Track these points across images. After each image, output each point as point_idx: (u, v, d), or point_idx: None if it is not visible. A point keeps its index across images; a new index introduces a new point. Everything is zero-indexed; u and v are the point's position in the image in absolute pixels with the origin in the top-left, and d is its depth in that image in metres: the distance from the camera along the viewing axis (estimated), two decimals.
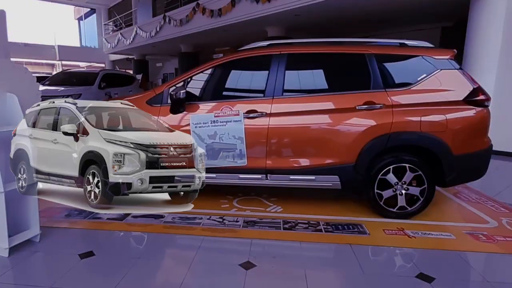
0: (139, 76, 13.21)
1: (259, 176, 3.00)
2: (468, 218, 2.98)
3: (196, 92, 3.15)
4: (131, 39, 15.15)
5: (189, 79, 3.13)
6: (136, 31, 14.61)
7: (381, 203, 2.89)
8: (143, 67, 19.00)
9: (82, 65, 25.08)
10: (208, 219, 2.92)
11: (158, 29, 12.98)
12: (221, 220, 2.89)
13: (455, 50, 2.96)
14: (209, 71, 3.14)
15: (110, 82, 9.23)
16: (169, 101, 3.03)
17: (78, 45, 29.91)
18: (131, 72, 18.13)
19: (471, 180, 2.93)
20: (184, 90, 2.90)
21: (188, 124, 3.01)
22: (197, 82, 3.16)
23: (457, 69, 2.84)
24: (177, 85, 3.07)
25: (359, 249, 2.38)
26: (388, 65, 2.91)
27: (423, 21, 9.51)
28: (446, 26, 9.71)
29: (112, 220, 2.89)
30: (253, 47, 3.14)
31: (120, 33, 16.59)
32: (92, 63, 25.90)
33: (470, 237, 2.58)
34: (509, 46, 5.47)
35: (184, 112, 3.03)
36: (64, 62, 27.22)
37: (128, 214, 3.01)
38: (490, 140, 2.87)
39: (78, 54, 27.03)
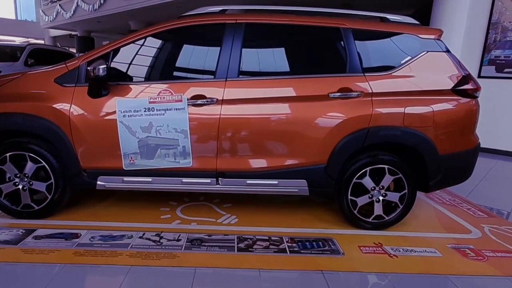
0: None
1: (208, 180, 2.35)
2: (449, 226, 2.61)
3: (125, 69, 2.38)
4: (72, 12, 13.39)
5: (115, 52, 2.34)
6: (77, 3, 12.89)
7: (355, 212, 2.41)
8: (88, 45, 17.09)
9: (18, 41, 22.28)
10: (140, 237, 2.23)
11: (102, 1, 11.48)
12: (157, 238, 2.22)
13: (441, 29, 2.52)
14: (142, 42, 2.38)
15: (41, 59, 7.91)
16: None
17: (13, 17, 26.60)
18: (74, 50, 16.27)
19: (456, 184, 2.55)
20: (105, 66, 2.12)
21: (114, 112, 2.26)
22: (126, 56, 2.39)
23: (444, 51, 2.40)
24: (97, 59, 2.28)
25: (334, 278, 1.86)
26: (367, 44, 2.38)
27: (384, 7, 9.30)
28: (404, 14, 9.59)
29: (2, 244, 2.08)
30: (201, 13, 2.42)
31: (59, 5, 14.62)
32: (30, 39, 23.24)
33: (457, 253, 2.19)
34: (472, 35, 5.29)
35: (109, 96, 2.27)
36: None
37: (30, 233, 2.23)
38: (478, 138, 2.49)
39: (12, 27, 24.03)
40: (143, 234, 2.26)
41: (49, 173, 2.37)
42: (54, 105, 2.28)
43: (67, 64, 2.35)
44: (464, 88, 2.33)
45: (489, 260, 2.11)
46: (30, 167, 2.37)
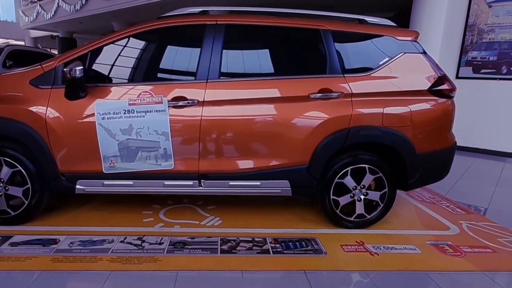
0: None
1: (190, 182, 2.33)
2: (428, 223, 2.68)
3: (104, 70, 2.34)
4: (53, 13, 13.08)
5: (93, 53, 2.30)
6: (58, 3, 12.60)
7: (338, 211, 2.44)
8: (70, 47, 16.72)
9: None
10: (121, 241, 2.19)
11: (84, 2, 11.27)
12: (139, 242, 2.19)
13: (417, 31, 2.58)
14: (122, 43, 2.35)
15: (20, 61, 7.68)
16: None
17: None
18: (56, 51, 15.91)
19: (434, 182, 2.62)
20: (81, 67, 2.08)
21: (92, 115, 2.22)
22: (105, 57, 2.35)
23: (421, 53, 2.45)
24: (74, 59, 2.23)
25: (316, 277, 1.88)
26: (346, 45, 2.42)
27: (365, 9, 9.48)
28: (385, 17, 9.79)
29: None
30: (181, 14, 2.41)
31: (40, 5, 14.27)
32: (9, 40, 22.58)
33: (436, 249, 2.24)
34: (450, 37, 5.44)
35: (87, 98, 2.23)
36: None
37: (6, 240, 2.16)
38: (454, 137, 2.56)
39: None
40: (125, 238, 2.23)
41: (25, 177, 2.30)
42: (29, 108, 2.22)
43: (43, 66, 2.29)
44: (440, 88, 2.39)
45: (467, 256, 2.16)
46: (5, 171, 2.30)
